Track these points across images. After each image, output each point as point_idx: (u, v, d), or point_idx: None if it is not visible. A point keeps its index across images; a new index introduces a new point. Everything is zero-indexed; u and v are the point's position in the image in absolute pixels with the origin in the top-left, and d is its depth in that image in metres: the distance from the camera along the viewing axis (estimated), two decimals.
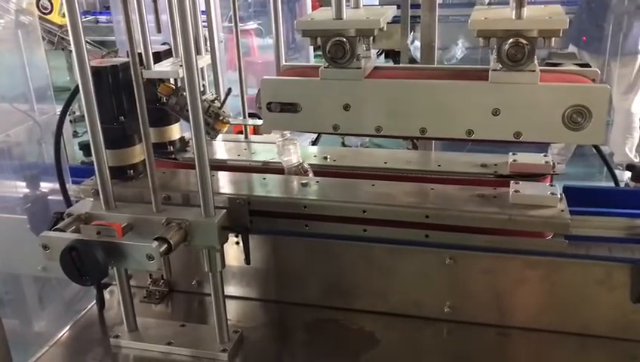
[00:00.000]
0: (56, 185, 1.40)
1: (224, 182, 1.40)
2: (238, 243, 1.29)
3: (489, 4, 2.74)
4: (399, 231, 1.26)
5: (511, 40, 1.07)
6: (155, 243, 1.10)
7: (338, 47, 1.14)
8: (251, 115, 1.63)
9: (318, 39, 1.16)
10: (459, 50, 5.25)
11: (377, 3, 4.52)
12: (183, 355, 1.25)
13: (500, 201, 1.24)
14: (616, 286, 1.21)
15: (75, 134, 4.35)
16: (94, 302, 1.44)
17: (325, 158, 1.52)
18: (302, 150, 1.64)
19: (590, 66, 1.27)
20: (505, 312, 1.29)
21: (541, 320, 1.27)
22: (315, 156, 1.55)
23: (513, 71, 1.10)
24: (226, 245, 1.22)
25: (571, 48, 4.30)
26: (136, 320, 1.32)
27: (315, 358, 1.27)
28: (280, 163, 1.48)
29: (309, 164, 1.48)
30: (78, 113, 4.76)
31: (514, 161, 1.40)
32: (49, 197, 1.47)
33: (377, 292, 1.35)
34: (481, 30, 1.09)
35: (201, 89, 1.20)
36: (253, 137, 1.72)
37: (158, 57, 1.43)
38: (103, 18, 6.66)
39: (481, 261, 1.27)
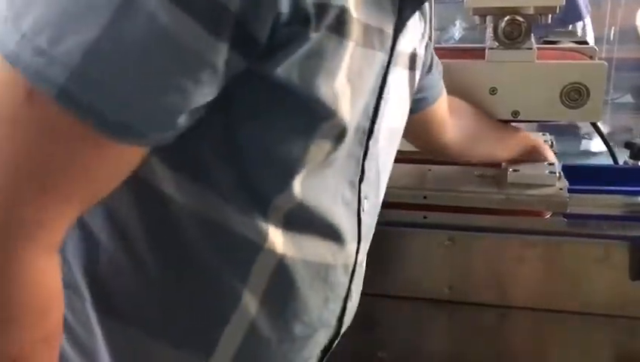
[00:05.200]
0: None
1: None
2: None
3: None
4: (397, 212, 1.26)
5: (507, 18, 1.06)
6: None
7: None
8: None
9: None
10: (457, 31, 5.22)
11: None
12: None
13: (498, 181, 1.23)
14: (615, 264, 1.21)
15: None
16: None
17: None
18: None
19: (588, 43, 1.26)
20: (504, 292, 1.29)
21: (541, 299, 1.27)
22: None
23: (510, 49, 1.09)
24: None
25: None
26: None
27: None
28: None
29: None
30: None
31: None
32: None
33: (376, 275, 1.35)
34: (476, 8, 1.08)
35: None
36: None
37: None
38: None
39: (480, 241, 1.27)
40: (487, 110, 1.13)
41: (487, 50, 1.10)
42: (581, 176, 1.32)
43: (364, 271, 0.86)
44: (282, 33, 0.52)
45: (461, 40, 5.15)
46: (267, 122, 0.58)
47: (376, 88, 0.68)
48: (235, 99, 0.56)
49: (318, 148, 0.60)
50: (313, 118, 0.58)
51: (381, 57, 0.67)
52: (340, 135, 0.61)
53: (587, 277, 1.24)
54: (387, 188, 1.28)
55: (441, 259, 1.30)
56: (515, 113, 1.12)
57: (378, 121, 0.70)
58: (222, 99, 0.55)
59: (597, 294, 1.24)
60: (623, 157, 1.52)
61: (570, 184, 1.20)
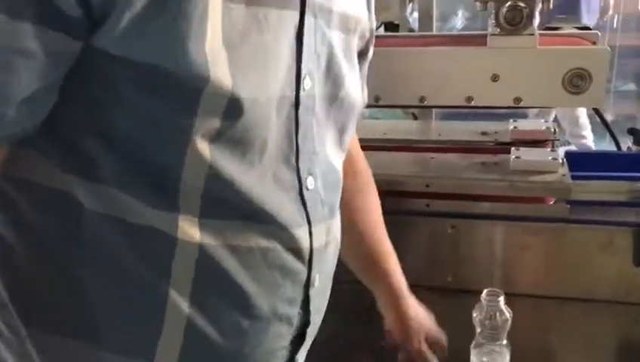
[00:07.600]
0: None
1: None
2: None
3: None
4: (400, 200, 1.26)
5: (509, 3, 1.06)
6: None
7: None
8: None
9: None
10: (459, 21, 5.20)
11: None
12: None
13: (500, 168, 1.23)
14: (618, 251, 1.21)
15: None
16: None
17: None
18: None
19: (591, 29, 1.25)
20: (508, 279, 1.29)
21: (544, 286, 1.27)
22: None
23: (512, 35, 1.08)
24: None
25: None
26: None
27: (320, 329, 1.27)
28: None
29: None
30: None
31: (514, 127, 1.39)
32: None
33: None
34: None
35: None
36: None
37: None
38: None
39: (483, 229, 1.27)
40: (489, 97, 1.13)
41: (488, 37, 1.10)
42: (584, 162, 1.31)
43: (333, 256, 0.76)
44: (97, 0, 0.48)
45: (463, 30, 5.12)
46: (140, 101, 0.53)
47: (293, 53, 0.60)
48: (98, 85, 0.53)
49: (205, 123, 0.54)
50: (183, 87, 0.52)
51: (288, 15, 0.58)
52: (230, 108, 0.54)
53: (591, 264, 1.24)
54: (389, 176, 1.28)
55: (444, 247, 1.30)
56: (518, 100, 1.11)
57: (307, 88, 0.62)
58: (84, 87, 0.53)
59: (600, 281, 1.24)
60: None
61: (573, 170, 1.20)
